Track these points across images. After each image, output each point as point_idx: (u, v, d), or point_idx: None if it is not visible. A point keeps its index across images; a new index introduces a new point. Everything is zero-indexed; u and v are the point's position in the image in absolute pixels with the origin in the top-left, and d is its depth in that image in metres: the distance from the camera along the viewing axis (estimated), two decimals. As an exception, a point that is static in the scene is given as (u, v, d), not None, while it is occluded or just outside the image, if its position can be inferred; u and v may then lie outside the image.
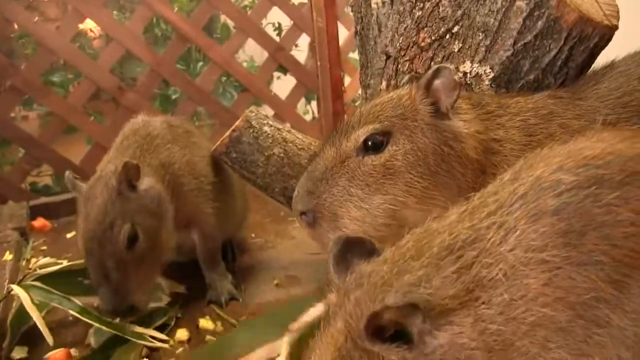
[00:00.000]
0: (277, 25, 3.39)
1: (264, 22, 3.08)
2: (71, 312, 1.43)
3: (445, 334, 0.67)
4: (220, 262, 1.76)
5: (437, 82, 1.11)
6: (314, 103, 3.41)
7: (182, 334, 1.50)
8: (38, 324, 1.38)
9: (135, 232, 1.42)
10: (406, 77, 1.28)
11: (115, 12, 3.22)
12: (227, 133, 1.65)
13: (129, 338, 1.43)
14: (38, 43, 2.54)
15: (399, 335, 0.67)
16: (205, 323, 1.54)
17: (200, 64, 3.15)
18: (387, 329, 0.67)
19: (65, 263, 1.64)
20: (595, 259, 0.67)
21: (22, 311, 1.44)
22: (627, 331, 0.67)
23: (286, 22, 3.18)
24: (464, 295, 0.69)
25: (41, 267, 1.63)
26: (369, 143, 1.11)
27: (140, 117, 1.75)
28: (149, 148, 1.59)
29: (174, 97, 3.06)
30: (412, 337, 0.67)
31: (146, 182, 1.49)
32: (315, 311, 1.38)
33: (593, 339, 0.67)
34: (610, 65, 1.23)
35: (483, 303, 0.68)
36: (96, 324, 1.42)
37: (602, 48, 1.21)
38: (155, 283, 1.59)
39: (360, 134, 1.12)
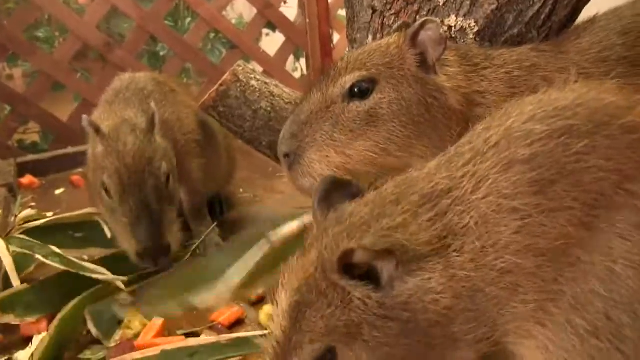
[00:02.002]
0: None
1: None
2: (55, 264, 1.41)
3: (414, 279, 0.70)
4: (207, 216, 1.80)
5: (423, 35, 1.11)
6: (302, 60, 3.39)
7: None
8: (6, 265, 1.39)
9: (169, 171, 1.48)
10: (395, 25, 1.27)
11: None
12: (215, 87, 1.65)
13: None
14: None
15: (368, 275, 0.70)
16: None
17: (189, 20, 3.11)
18: (358, 268, 0.69)
19: (49, 216, 1.65)
20: (566, 205, 0.70)
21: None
22: (599, 266, 0.70)
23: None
24: (437, 242, 0.71)
25: (24, 219, 1.64)
26: (355, 90, 1.11)
27: (127, 74, 1.76)
28: (149, 103, 1.60)
29: (162, 53, 3.04)
30: (381, 280, 0.70)
31: (160, 139, 1.54)
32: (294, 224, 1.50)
33: (564, 276, 0.70)
34: (592, 20, 1.24)
35: (454, 250, 0.71)
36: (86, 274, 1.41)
37: (585, 3, 1.22)
38: None
39: (347, 80, 1.12)
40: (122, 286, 1.43)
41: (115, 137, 1.47)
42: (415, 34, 1.11)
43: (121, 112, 1.57)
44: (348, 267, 0.69)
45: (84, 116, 1.52)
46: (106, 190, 1.46)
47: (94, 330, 1.30)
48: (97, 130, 1.48)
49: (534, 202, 0.70)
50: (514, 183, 0.71)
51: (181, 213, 1.73)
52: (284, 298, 0.73)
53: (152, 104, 1.55)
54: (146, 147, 1.45)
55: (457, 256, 0.71)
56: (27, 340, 1.28)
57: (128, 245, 1.45)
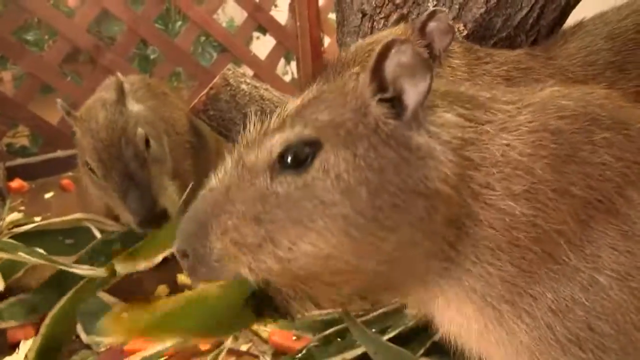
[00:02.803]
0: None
1: (243, -19, 3.04)
2: (38, 261, 1.36)
3: (430, 139, 0.69)
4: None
5: (432, 25, 1.10)
6: (293, 64, 3.39)
7: (162, 290, 1.52)
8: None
9: (146, 135, 1.46)
10: (395, 16, 1.27)
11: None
12: (205, 91, 1.64)
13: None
14: (10, -1, 2.49)
15: (394, 104, 0.69)
16: (183, 278, 1.56)
17: (179, 23, 3.11)
18: (387, 88, 0.69)
19: (38, 220, 1.64)
20: (571, 191, 0.69)
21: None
22: (583, 273, 0.69)
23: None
24: (461, 138, 0.70)
25: (11, 223, 1.63)
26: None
27: (117, 76, 1.74)
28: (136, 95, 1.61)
29: (152, 57, 3.03)
30: (404, 114, 0.69)
31: (135, 105, 1.54)
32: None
33: (546, 273, 0.69)
34: (579, 25, 1.25)
35: (475, 163, 0.69)
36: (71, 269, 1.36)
37: (573, 7, 1.23)
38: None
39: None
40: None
41: (87, 116, 1.47)
42: (424, 24, 1.11)
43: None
44: (379, 77, 0.69)
45: (58, 100, 1.52)
46: (92, 170, 1.46)
47: (83, 336, 1.29)
48: (68, 113, 1.49)
49: (547, 173, 0.69)
50: (535, 146, 0.70)
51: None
52: (314, 88, 0.75)
53: (119, 74, 1.55)
54: (117, 118, 1.44)
55: (474, 167, 0.69)
56: (14, 347, 1.26)
57: (127, 218, 1.45)
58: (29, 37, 2.87)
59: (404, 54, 0.68)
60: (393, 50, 0.69)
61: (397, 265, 0.70)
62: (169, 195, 1.48)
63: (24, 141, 2.78)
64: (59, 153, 2.50)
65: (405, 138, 0.68)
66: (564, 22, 1.26)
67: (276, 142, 0.71)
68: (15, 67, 2.89)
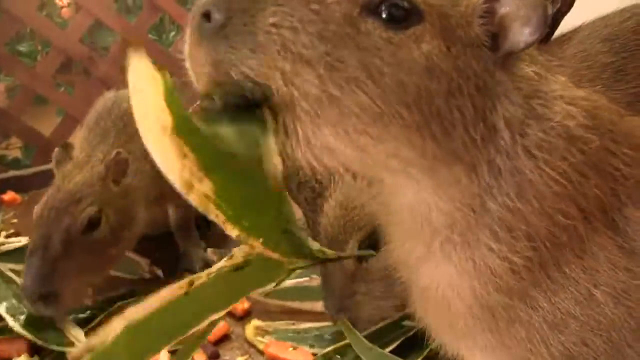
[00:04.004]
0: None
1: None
2: None
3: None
4: (194, 231, 1.77)
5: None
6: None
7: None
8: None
9: (98, 220, 1.36)
10: None
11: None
12: (197, 102, 1.64)
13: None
14: (1, 10, 2.48)
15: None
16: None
17: (173, 33, 3.11)
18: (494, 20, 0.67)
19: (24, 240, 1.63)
20: (591, 188, 0.69)
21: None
22: (581, 286, 0.68)
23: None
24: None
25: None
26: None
27: (112, 93, 1.72)
28: (129, 132, 1.54)
29: (145, 67, 3.02)
30: (499, 49, 0.69)
31: (128, 180, 1.46)
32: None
33: (546, 282, 0.69)
34: (577, 29, 1.25)
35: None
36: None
37: (565, 14, 1.22)
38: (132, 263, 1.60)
39: None
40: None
41: (67, 173, 1.42)
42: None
43: (93, 147, 1.52)
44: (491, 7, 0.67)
45: (57, 149, 1.50)
46: None
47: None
48: (61, 162, 1.47)
49: (577, 155, 0.69)
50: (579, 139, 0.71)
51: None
52: None
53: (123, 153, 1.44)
54: (85, 188, 1.36)
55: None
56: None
57: None
58: (22, 48, 2.86)
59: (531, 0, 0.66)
60: None
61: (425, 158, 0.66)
62: (76, 288, 1.33)
63: (17, 153, 2.76)
64: (52, 165, 2.48)
65: (490, 68, 0.67)
66: (555, 29, 1.26)
67: None
68: (9, 78, 2.88)
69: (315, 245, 0.69)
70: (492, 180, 0.67)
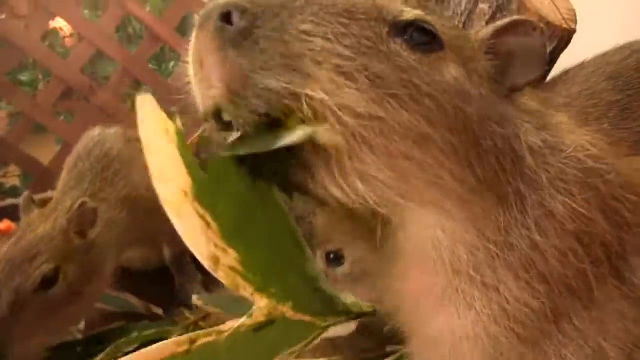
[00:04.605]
0: None
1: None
2: None
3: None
4: (190, 264, 1.74)
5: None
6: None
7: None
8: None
9: (55, 277, 1.26)
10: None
11: (86, 10, 3.18)
12: (196, 134, 1.63)
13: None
14: (5, 40, 2.50)
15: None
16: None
17: (173, 63, 3.13)
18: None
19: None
20: (598, 231, 0.68)
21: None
22: (589, 339, 0.66)
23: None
24: None
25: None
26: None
27: (97, 130, 1.66)
28: (106, 177, 1.48)
29: (146, 97, 3.03)
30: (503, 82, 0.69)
31: (97, 231, 1.37)
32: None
33: (557, 337, 0.66)
34: (580, 66, 1.26)
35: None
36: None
37: (562, 51, 1.24)
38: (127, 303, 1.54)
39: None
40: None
41: (29, 222, 1.34)
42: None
43: (65, 193, 1.46)
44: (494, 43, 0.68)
45: (25, 193, 1.45)
46: None
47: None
48: (27, 210, 1.40)
49: (588, 210, 0.68)
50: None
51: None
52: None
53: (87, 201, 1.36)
54: (42, 243, 1.26)
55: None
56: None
57: None
58: (23, 77, 2.88)
59: (532, 39, 0.68)
60: (522, 30, 0.68)
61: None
62: (29, 346, 1.22)
63: (15, 181, 2.76)
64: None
65: (503, 100, 0.68)
66: (553, 66, 1.27)
67: (408, 10, 0.65)
68: (10, 106, 2.89)
69: (349, 299, 0.66)
70: (519, 214, 0.66)
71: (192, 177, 0.53)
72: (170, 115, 0.55)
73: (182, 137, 0.54)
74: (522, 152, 0.66)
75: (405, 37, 0.63)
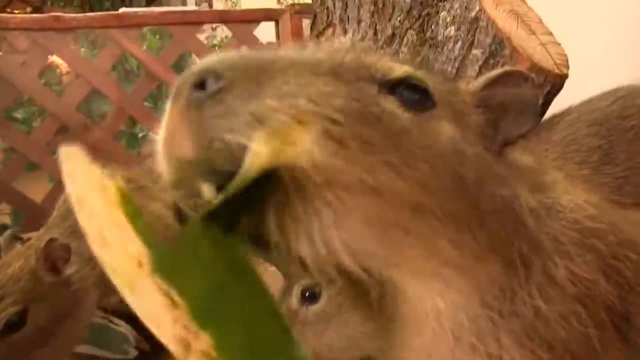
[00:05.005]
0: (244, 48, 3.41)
1: (233, 61, 3.10)
2: None
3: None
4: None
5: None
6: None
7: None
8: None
9: (21, 320, 1.19)
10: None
11: (83, 48, 3.21)
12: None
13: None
14: (1, 77, 2.50)
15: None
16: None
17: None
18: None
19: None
20: (600, 292, 0.66)
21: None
22: None
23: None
24: None
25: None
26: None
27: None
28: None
29: (140, 135, 3.04)
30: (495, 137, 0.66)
31: (73, 267, 1.31)
32: None
33: None
34: (565, 113, 1.27)
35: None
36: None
37: (555, 95, 1.24)
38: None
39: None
40: None
41: (4, 262, 1.28)
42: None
43: (46, 230, 1.43)
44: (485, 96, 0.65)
45: (6, 233, 1.42)
46: None
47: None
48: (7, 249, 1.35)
49: (589, 273, 0.66)
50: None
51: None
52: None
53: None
54: (8, 285, 1.21)
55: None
56: None
57: None
58: (18, 115, 2.88)
59: (524, 90, 0.65)
60: (513, 81, 0.66)
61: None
62: None
63: (6, 219, 2.74)
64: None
65: (498, 155, 0.64)
66: (546, 110, 1.28)
67: (399, 67, 0.60)
68: (3, 143, 2.88)
69: None
70: (524, 280, 0.63)
71: (149, 245, 0.44)
72: (107, 172, 0.47)
73: (126, 197, 0.45)
74: (522, 214, 0.63)
75: (396, 95, 0.58)
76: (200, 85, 0.50)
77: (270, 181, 0.48)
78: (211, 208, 0.47)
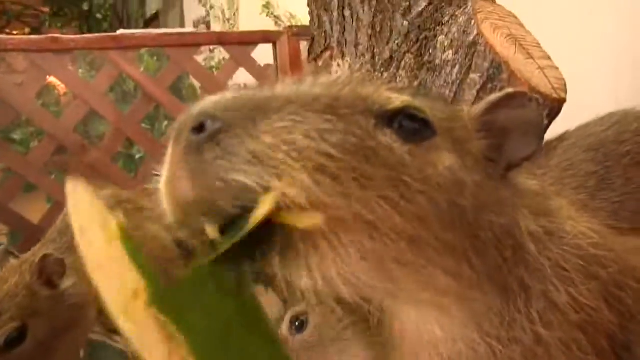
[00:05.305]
0: (243, 86, 3.42)
1: (230, 82, 3.11)
2: None
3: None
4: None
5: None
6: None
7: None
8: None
9: (22, 334, 1.22)
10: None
11: (81, 70, 3.22)
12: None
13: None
14: (-1, 99, 2.52)
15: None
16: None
17: (166, 123, 3.15)
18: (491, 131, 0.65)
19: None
20: (603, 321, 0.66)
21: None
22: None
23: (252, 83, 3.22)
24: None
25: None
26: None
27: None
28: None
29: (137, 156, 3.04)
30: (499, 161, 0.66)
31: (69, 281, 1.33)
32: None
33: None
34: (561, 138, 1.28)
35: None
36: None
37: (553, 119, 1.25)
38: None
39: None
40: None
41: (1, 276, 1.30)
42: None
43: (42, 246, 1.43)
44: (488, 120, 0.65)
45: (2, 247, 1.41)
46: None
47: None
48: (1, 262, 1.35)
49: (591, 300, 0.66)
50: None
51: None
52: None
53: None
54: (6, 301, 1.23)
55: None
56: None
57: None
58: (15, 136, 2.88)
59: (527, 111, 0.64)
60: (517, 102, 0.64)
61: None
62: None
63: (3, 240, 2.72)
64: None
65: (500, 181, 0.64)
66: (544, 134, 1.29)
67: (396, 97, 0.60)
68: (0, 164, 2.88)
69: None
70: (523, 306, 0.63)
71: (148, 279, 0.44)
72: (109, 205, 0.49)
73: (126, 232, 0.47)
74: (522, 240, 0.63)
75: (395, 126, 0.58)
76: (200, 127, 0.51)
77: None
78: (219, 253, 0.48)
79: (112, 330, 1.55)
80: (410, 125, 0.59)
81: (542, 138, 0.68)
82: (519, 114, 0.64)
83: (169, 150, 0.53)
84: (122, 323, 0.44)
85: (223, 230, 0.50)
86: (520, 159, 0.65)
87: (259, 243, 0.50)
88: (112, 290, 0.45)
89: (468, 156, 0.62)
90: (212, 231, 0.50)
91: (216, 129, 0.50)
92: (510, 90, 0.67)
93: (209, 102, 0.54)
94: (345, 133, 0.53)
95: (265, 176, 0.49)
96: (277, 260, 0.51)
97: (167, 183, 0.53)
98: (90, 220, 0.47)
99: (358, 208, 0.51)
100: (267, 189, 0.49)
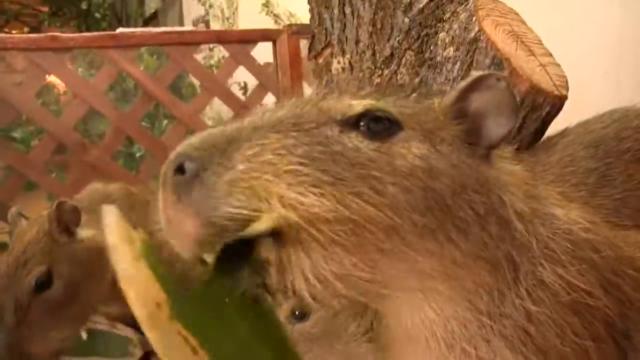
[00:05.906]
0: (243, 84, 3.43)
1: (230, 81, 3.12)
2: None
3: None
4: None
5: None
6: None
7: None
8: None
9: (49, 277, 1.32)
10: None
11: (80, 68, 3.22)
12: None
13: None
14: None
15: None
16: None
17: (166, 122, 3.15)
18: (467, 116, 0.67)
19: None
20: (599, 306, 0.67)
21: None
22: None
23: (252, 82, 3.23)
24: None
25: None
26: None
27: (99, 184, 1.72)
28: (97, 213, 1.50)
29: (138, 155, 3.04)
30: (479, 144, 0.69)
31: (87, 233, 1.42)
32: None
33: None
34: (562, 134, 1.27)
35: None
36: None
37: (554, 116, 1.25)
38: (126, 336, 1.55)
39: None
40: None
41: (19, 232, 1.43)
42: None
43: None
44: (462, 105, 0.68)
45: (13, 208, 1.53)
46: None
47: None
48: (14, 224, 1.48)
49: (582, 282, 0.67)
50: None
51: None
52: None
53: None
54: (29, 248, 1.34)
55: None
56: None
57: None
58: (16, 134, 2.88)
59: (497, 91, 0.67)
60: (485, 84, 0.67)
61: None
62: (47, 344, 1.33)
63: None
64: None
65: (482, 163, 0.67)
66: (545, 131, 1.29)
67: (358, 103, 0.65)
68: (1, 163, 2.89)
69: None
70: (512, 281, 0.65)
71: (168, 293, 0.50)
72: (136, 228, 0.55)
73: (149, 249, 0.53)
74: (508, 217, 0.65)
75: (361, 128, 0.64)
76: (180, 169, 0.56)
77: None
78: (212, 261, 0.55)
79: (115, 319, 1.58)
80: (376, 125, 0.64)
81: (517, 115, 0.69)
82: (490, 96, 0.67)
83: (160, 195, 0.58)
84: (148, 332, 0.49)
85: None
86: (499, 138, 0.68)
87: (254, 257, 0.57)
88: (139, 301, 0.50)
89: (442, 143, 0.66)
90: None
91: (195, 168, 0.56)
92: (479, 73, 0.69)
93: (185, 143, 0.60)
94: (310, 144, 0.60)
95: (247, 201, 0.55)
96: (273, 269, 0.56)
97: (167, 227, 0.57)
98: (119, 239, 0.53)
99: (335, 206, 0.56)
100: (254, 211, 0.55)
